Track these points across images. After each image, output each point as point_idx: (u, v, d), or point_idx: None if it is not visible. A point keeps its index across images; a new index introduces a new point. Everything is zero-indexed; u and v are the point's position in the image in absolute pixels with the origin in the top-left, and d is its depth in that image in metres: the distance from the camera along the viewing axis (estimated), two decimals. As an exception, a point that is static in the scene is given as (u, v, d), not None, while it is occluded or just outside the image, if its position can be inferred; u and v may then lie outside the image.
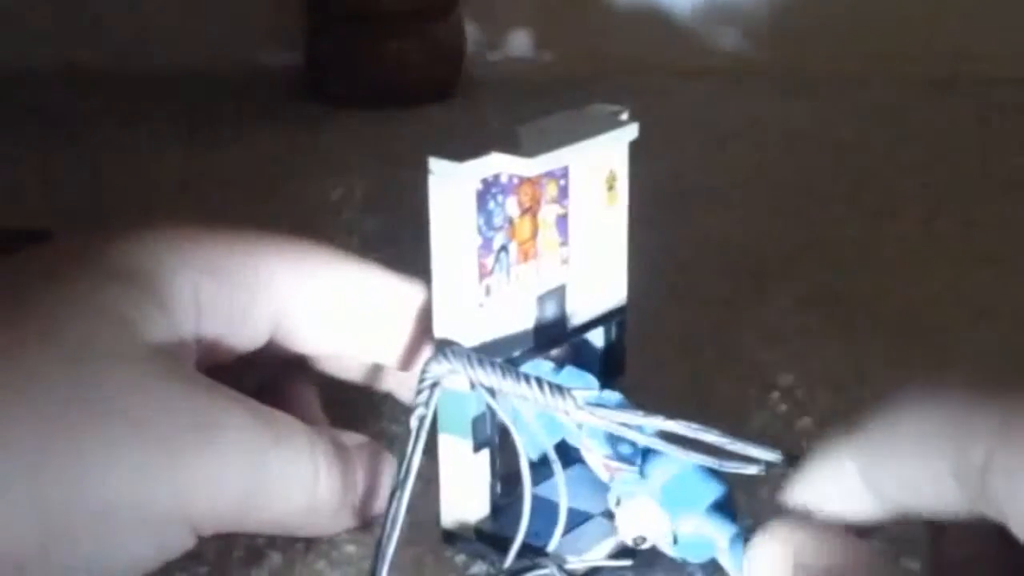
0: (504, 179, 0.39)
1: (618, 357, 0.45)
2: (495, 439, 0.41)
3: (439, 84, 1.01)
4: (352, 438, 0.41)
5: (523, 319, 0.41)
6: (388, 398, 0.46)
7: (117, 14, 1.10)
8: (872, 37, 1.07)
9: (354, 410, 0.45)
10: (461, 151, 0.38)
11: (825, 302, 0.63)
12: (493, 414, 0.40)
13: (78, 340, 0.35)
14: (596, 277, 0.43)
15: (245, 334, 0.40)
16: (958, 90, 1.00)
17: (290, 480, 0.37)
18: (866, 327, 0.60)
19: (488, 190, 0.38)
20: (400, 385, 0.43)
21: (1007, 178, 0.82)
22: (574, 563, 0.39)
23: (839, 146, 0.90)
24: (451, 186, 0.38)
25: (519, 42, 1.12)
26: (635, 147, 0.43)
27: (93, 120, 0.97)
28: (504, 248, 0.40)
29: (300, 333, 0.41)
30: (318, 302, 0.41)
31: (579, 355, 0.45)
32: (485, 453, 0.41)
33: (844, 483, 0.32)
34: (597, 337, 0.44)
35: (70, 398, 0.33)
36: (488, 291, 0.39)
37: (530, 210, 0.40)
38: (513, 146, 0.38)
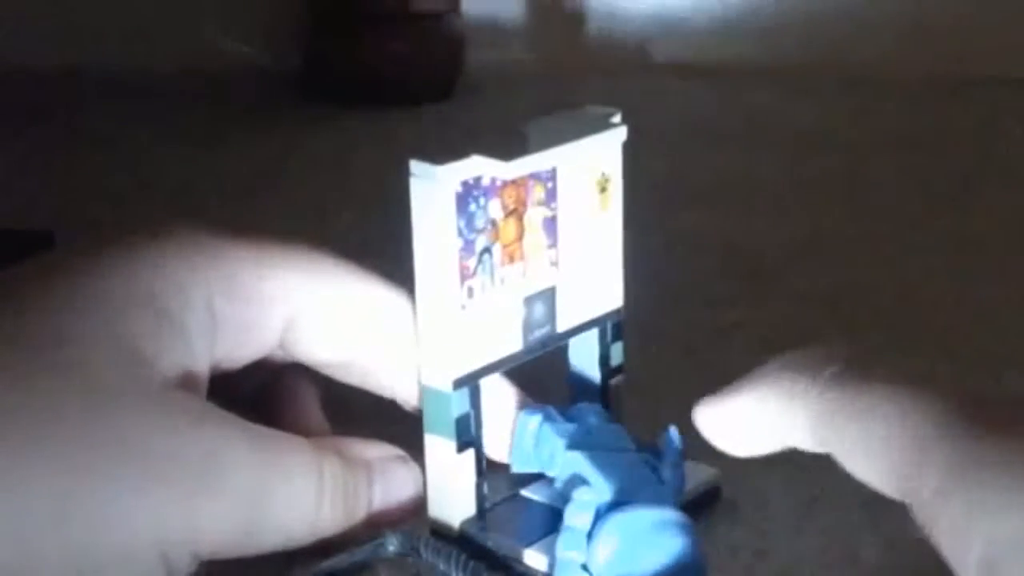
0: (486, 181, 0.39)
1: (614, 360, 0.45)
2: (480, 440, 0.41)
3: (439, 84, 1.01)
4: (374, 449, 0.41)
5: (509, 321, 0.41)
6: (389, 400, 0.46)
7: (117, 14, 1.10)
8: (873, 37, 1.07)
9: (354, 410, 0.45)
10: (445, 153, 0.38)
11: (825, 302, 0.63)
12: (478, 414, 0.40)
13: (95, 376, 0.35)
14: (589, 280, 0.43)
15: (254, 345, 0.41)
16: (958, 90, 1.00)
17: (292, 510, 0.38)
18: (866, 327, 0.60)
19: (469, 192, 0.39)
20: (403, 391, 0.43)
21: (1007, 178, 0.82)
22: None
23: (839, 146, 0.90)
24: (430, 188, 0.38)
25: (519, 42, 1.12)
26: (634, 147, 0.43)
27: (93, 120, 0.97)
28: (487, 250, 0.40)
29: (306, 342, 0.41)
30: (325, 311, 0.41)
31: (576, 362, 0.45)
32: (469, 453, 0.41)
33: (789, 424, 0.33)
34: (592, 340, 0.44)
35: (89, 439, 0.34)
36: (471, 293, 0.39)
37: (515, 212, 0.40)
38: (493, 148, 0.38)
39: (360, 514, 0.40)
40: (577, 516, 0.38)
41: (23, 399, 0.34)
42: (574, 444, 0.40)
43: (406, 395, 0.43)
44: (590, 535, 0.37)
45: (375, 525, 0.40)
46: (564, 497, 0.39)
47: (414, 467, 0.42)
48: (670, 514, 0.37)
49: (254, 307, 0.40)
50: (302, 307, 0.41)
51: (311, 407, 0.44)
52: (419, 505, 0.42)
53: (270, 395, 0.42)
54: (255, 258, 0.40)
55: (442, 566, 0.39)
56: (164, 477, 0.35)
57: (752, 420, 0.37)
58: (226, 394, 0.41)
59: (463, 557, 0.39)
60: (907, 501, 0.30)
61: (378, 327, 0.42)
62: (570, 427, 0.41)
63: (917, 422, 0.30)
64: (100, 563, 0.34)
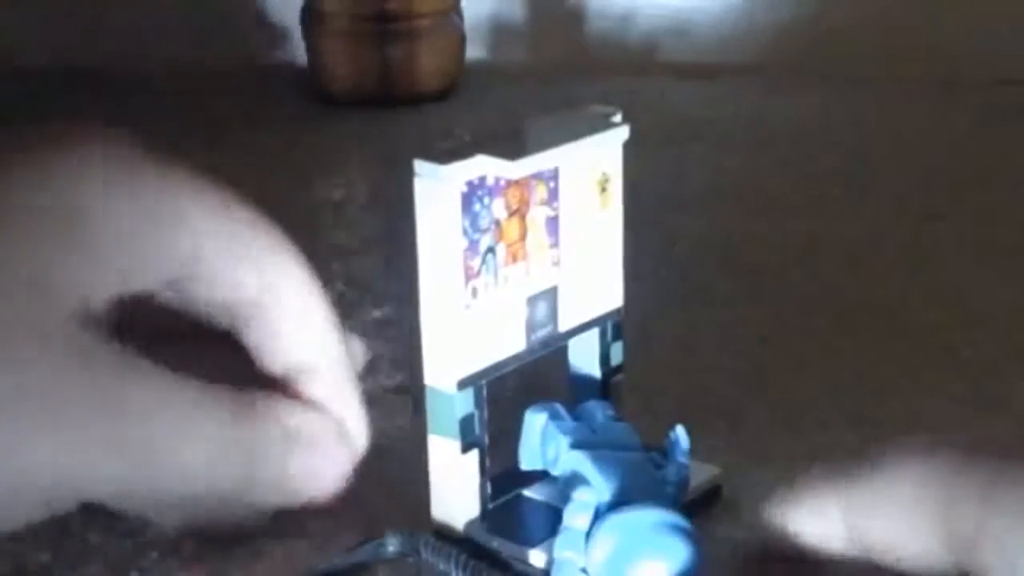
0: (490, 181, 0.39)
1: (614, 359, 0.45)
2: (484, 440, 0.41)
3: (439, 84, 1.01)
4: (305, 418, 0.40)
5: (512, 320, 0.41)
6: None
7: (116, 13, 1.10)
8: (872, 37, 1.07)
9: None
10: (449, 153, 0.38)
11: (825, 302, 0.63)
12: (482, 414, 0.40)
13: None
14: (590, 279, 0.43)
15: (163, 267, 0.39)
16: (958, 90, 1.00)
17: (188, 464, 0.36)
18: (866, 327, 0.60)
19: (474, 192, 0.39)
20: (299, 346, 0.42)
21: (1007, 178, 0.82)
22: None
23: (839, 146, 0.90)
24: (436, 188, 0.38)
25: (519, 42, 1.12)
26: (634, 147, 0.43)
27: (92, 120, 0.97)
28: (491, 250, 0.40)
29: (209, 276, 0.40)
30: (235, 245, 0.40)
31: (576, 363, 0.45)
32: (474, 454, 0.41)
33: (824, 522, 0.32)
34: (592, 339, 0.44)
35: None
36: (475, 293, 0.39)
37: (518, 212, 0.40)
38: (497, 148, 0.38)
39: (269, 481, 0.39)
40: (576, 516, 0.38)
41: None
42: (578, 443, 0.40)
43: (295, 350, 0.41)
44: (588, 535, 0.37)
45: (296, 496, 0.39)
46: (565, 497, 0.39)
47: (352, 439, 0.41)
48: (669, 516, 0.37)
49: (167, 233, 0.38)
50: (214, 233, 0.39)
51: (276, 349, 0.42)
52: (345, 480, 0.41)
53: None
54: (173, 182, 0.39)
55: (442, 566, 0.39)
56: (49, 421, 0.33)
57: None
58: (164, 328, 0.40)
59: (463, 557, 0.39)
60: (953, 559, 0.29)
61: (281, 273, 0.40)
62: (576, 425, 0.41)
63: (933, 479, 0.30)
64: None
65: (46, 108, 1.01)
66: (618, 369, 0.45)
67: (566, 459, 0.40)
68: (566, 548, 0.37)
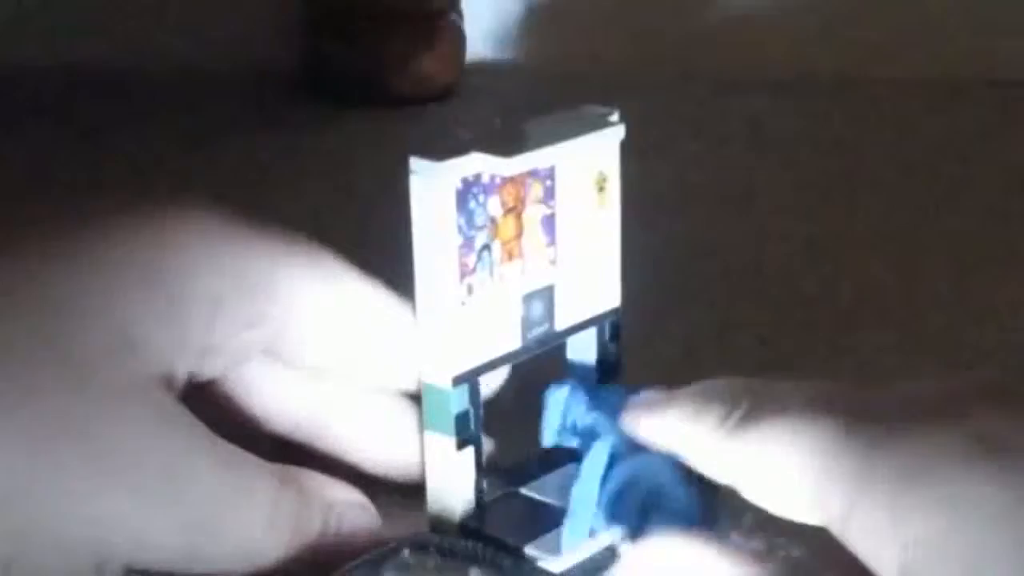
0: (486, 179, 0.39)
1: (612, 359, 0.45)
2: (479, 436, 0.41)
3: (439, 84, 1.01)
4: (337, 491, 0.41)
5: (508, 318, 0.41)
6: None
7: (117, 13, 1.10)
8: (872, 37, 1.07)
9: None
10: (444, 150, 0.38)
11: (825, 302, 0.63)
12: (477, 411, 0.41)
13: (77, 355, 0.35)
14: (587, 278, 0.43)
15: (252, 340, 0.40)
16: (958, 90, 1.00)
17: (240, 537, 0.37)
18: (866, 327, 0.60)
19: (469, 189, 0.39)
20: (403, 384, 0.43)
21: (1007, 178, 0.82)
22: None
23: (839, 146, 0.90)
24: (431, 185, 0.38)
25: (519, 42, 1.12)
26: (634, 147, 0.43)
27: (92, 120, 0.97)
28: (487, 247, 0.40)
29: (298, 342, 0.41)
30: (324, 312, 0.41)
31: (573, 359, 0.45)
32: (469, 450, 0.41)
33: (707, 445, 0.34)
34: (590, 339, 0.44)
35: (59, 430, 0.34)
36: (470, 290, 0.40)
37: (514, 210, 0.40)
38: (493, 145, 0.38)
39: (306, 555, 0.40)
40: (592, 465, 0.38)
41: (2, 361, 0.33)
42: (596, 406, 0.41)
43: (404, 385, 0.42)
44: (603, 480, 0.38)
45: (321, 564, 0.40)
46: (567, 482, 0.39)
47: (373, 515, 0.41)
48: (679, 462, 0.37)
49: (259, 301, 0.39)
50: (302, 305, 0.40)
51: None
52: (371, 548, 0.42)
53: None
54: (265, 250, 0.39)
55: (454, 569, 0.39)
56: (120, 482, 0.34)
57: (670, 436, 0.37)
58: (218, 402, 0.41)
59: (474, 556, 0.38)
60: (822, 523, 0.31)
61: (378, 329, 0.41)
62: (597, 392, 0.42)
63: (814, 446, 0.31)
64: (36, 551, 0.34)
65: (47, 108, 1.01)
66: (616, 369, 0.45)
67: (584, 421, 0.41)
68: (582, 494, 0.38)
